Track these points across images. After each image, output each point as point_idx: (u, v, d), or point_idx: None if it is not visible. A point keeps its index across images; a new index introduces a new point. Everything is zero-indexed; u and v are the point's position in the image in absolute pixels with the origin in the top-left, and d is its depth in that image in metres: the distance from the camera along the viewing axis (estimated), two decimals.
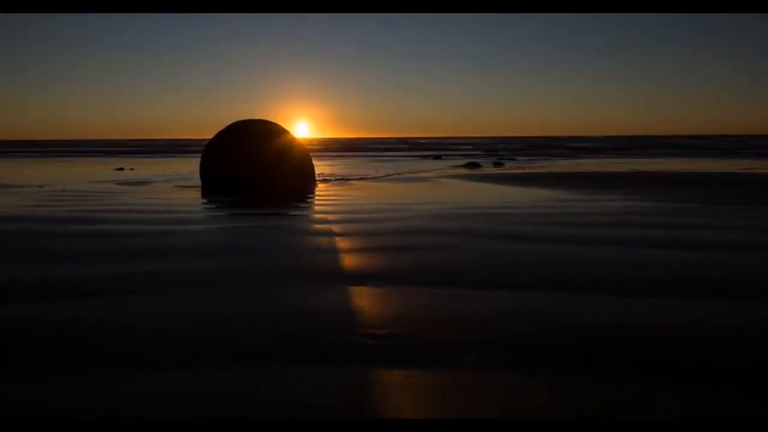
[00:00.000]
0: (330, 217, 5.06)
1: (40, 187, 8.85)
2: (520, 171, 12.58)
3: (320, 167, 13.27)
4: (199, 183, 9.66)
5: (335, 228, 4.36)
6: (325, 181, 10.41)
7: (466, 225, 4.43)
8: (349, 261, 3.20)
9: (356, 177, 11.35)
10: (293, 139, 10.67)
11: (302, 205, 6.18)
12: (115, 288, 2.62)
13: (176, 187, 9.11)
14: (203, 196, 7.48)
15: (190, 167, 15.76)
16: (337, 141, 76.65)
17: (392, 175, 11.69)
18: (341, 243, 3.72)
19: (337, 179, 10.68)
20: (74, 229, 4.30)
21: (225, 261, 3.21)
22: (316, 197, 7.05)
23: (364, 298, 2.45)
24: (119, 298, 2.47)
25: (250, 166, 9.64)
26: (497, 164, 16.57)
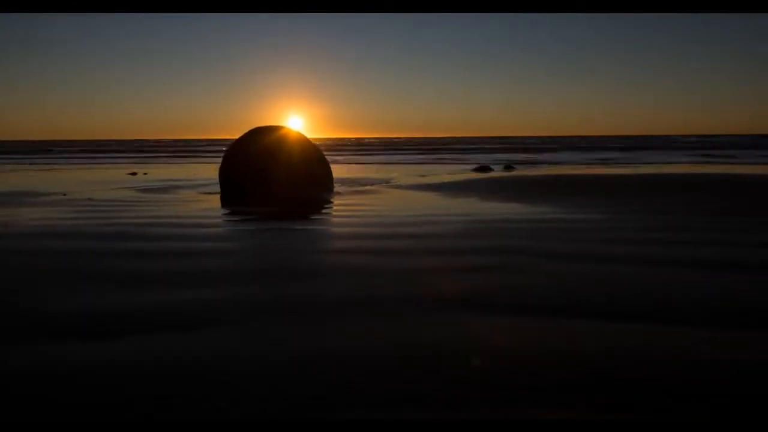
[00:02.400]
0: (363, 230, 5.09)
1: (64, 195, 8.89)
2: (533, 175, 12.62)
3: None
4: (217, 189, 9.74)
5: (374, 244, 4.39)
6: (341, 185, 10.47)
7: (503, 242, 4.46)
8: (410, 284, 3.21)
9: (368, 182, 11.41)
10: (312, 145, 10.75)
11: (331, 217, 6.21)
12: (214, 318, 2.61)
13: (199, 194, 9.18)
14: (227, 205, 7.51)
15: (200, 171, 15.82)
16: (336, 141, 76.64)
17: (404, 179, 11.74)
18: (387, 262, 3.74)
19: (351, 185, 10.73)
20: (127, 247, 4.34)
21: (299, 286, 3.19)
22: (340, 207, 7.08)
23: (452, 330, 2.44)
24: (227, 329, 2.45)
25: (272, 174, 9.70)
26: (507, 168, 16.64)
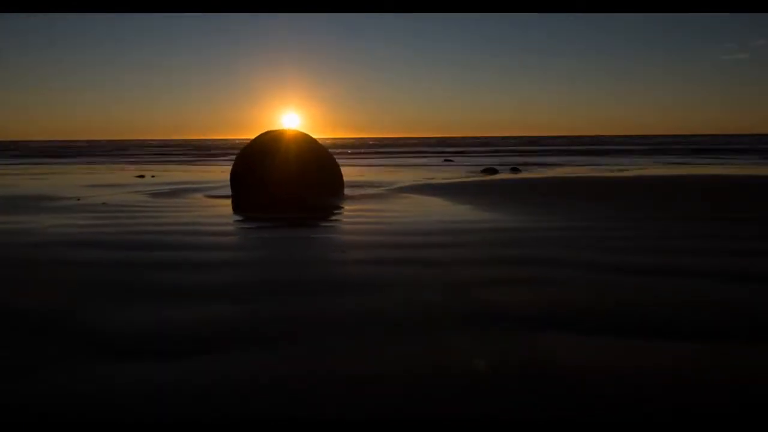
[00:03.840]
0: (386, 238, 5.08)
1: (78, 200, 8.89)
2: (542, 177, 12.63)
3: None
4: (225, 192, 9.78)
5: (406, 254, 4.37)
6: (350, 188, 10.47)
7: (536, 251, 4.46)
8: (468, 298, 3.18)
9: (377, 185, 11.40)
10: (323, 149, 10.76)
11: (350, 224, 6.19)
12: (277, 333, 2.60)
13: (209, 198, 9.19)
14: (240, 210, 7.50)
15: (205, 173, 15.81)
16: (339, 141, 76.53)
17: (412, 182, 11.74)
18: (428, 274, 3.73)
19: (361, 188, 10.72)
20: (157, 258, 4.34)
21: (349, 301, 3.15)
22: (356, 213, 7.05)
23: (538, 350, 2.40)
24: (293, 347, 2.45)
25: (284, 179, 9.71)
26: (514, 170, 16.66)
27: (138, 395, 1.99)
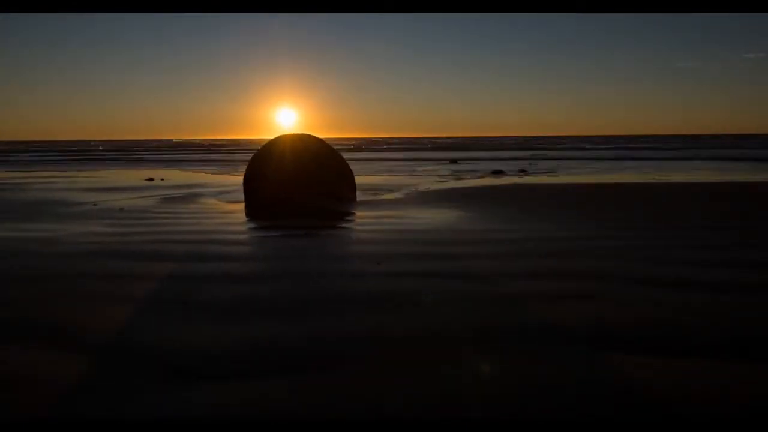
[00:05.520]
0: (413, 249, 5.04)
1: (94, 204, 8.89)
2: (550, 181, 12.66)
3: None
4: (236, 197, 9.83)
5: (441, 266, 4.37)
6: (362, 192, 10.49)
7: (579, 263, 4.40)
8: (520, 315, 3.16)
9: (390, 189, 11.42)
10: (335, 153, 10.77)
11: (370, 233, 6.17)
12: (339, 354, 2.59)
13: (223, 203, 9.22)
14: (255, 218, 7.49)
15: (211, 175, 15.82)
16: (345, 141, 76.43)
17: (424, 185, 11.74)
18: (474, 288, 3.69)
19: (373, 193, 10.74)
20: (190, 270, 4.33)
21: (403, 318, 3.14)
22: (372, 220, 6.98)
23: (613, 373, 2.37)
24: (360, 368, 2.44)
25: (298, 185, 9.73)
26: (521, 171, 16.69)
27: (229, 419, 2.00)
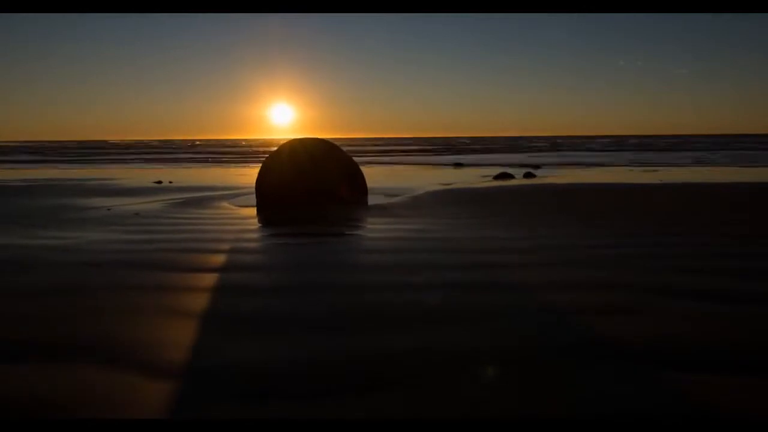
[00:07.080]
0: (435, 258, 5.04)
1: (108, 209, 8.89)
2: (561, 183, 12.61)
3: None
4: (248, 201, 9.88)
5: (472, 277, 4.35)
6: (373, 195, 10.49)
7: (608, 275, 4.40)
8: (566, 331, 3.15)
9: (400, 192, 11.40)
10: (348, 157, 10.79)
11: (389, 240, 6.15)
12: (382, 373, 2.60)
13: (236, 207, 9.24)
14: (270, 224, 7.48)
15: (218, 176, 15.80)
16: (348, 142, 76.34)
17: (431, 187, 11.71)
18: (515, 299, 3.70)
19: (384, 196, 10.73)
20: (216, 281, 4.33)
21: (447, 334, 3.15)
22: (388, 227, 6.93)
23: (688, 398, 2.34)
24: (418, 389, 2.44)
25: (312, 190, 9.75)
26: (528, 175, 16.70)
27: None
